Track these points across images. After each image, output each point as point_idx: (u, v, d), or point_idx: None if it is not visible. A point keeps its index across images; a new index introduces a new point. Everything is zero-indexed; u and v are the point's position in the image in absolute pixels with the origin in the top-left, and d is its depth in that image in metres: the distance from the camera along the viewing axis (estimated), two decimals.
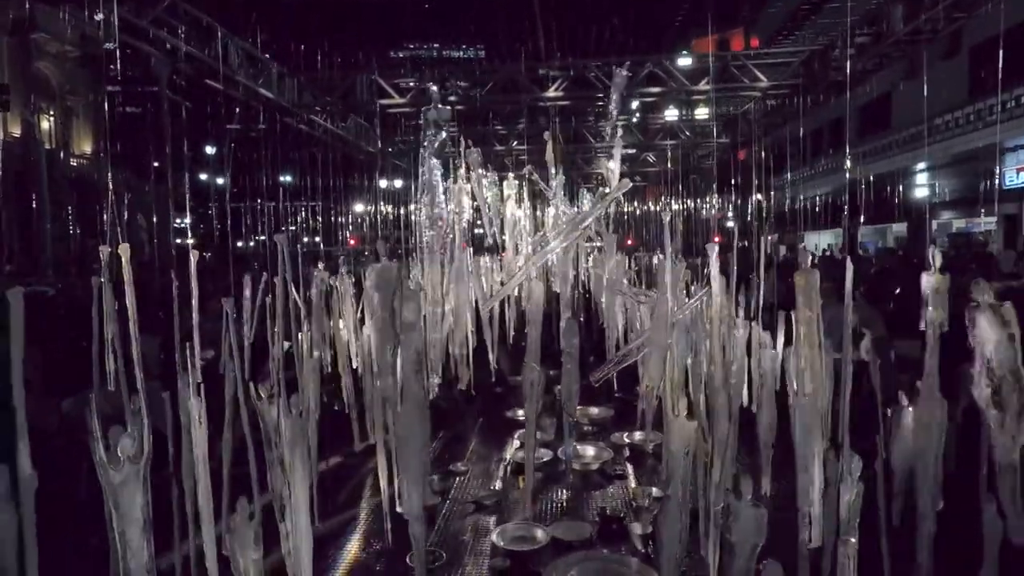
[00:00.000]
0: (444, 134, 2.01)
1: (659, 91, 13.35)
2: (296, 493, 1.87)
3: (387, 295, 1.83)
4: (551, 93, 12.48)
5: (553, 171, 3.85)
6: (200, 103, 13.07)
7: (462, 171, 4.03)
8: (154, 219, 14.67)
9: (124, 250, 2.04)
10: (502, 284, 5.33)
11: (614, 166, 3.69)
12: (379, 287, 1.84)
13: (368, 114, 14.85)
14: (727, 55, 13.57)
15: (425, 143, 2.01)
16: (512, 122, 16.21)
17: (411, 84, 13.08)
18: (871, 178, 16.32)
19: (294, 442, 1.90)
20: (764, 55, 13.98)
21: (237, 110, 13.79)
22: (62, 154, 16.62)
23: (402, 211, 16.95)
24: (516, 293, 5.40)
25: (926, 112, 16.65)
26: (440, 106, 1.94)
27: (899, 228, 21.23)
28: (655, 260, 4.80)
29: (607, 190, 3.82)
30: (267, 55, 13.27)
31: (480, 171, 4.11)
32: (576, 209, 4.74)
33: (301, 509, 1.89)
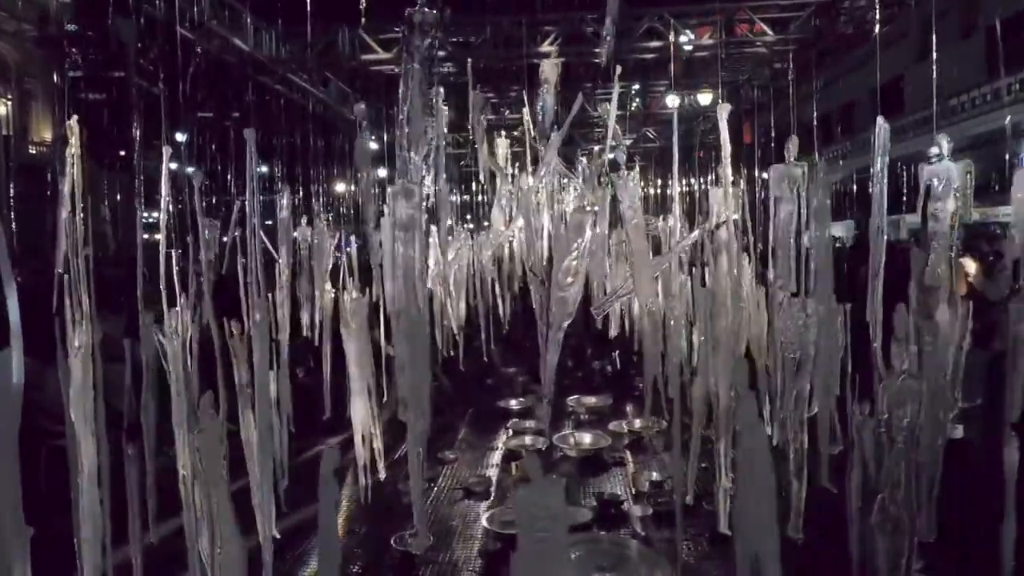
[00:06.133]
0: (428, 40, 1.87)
1: (658, 45, 13.21)
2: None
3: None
4: (545, 48, 12.38)
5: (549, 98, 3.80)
6: (169, 83, 12.60)
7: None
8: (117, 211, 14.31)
9: (72, 126, 1.99)
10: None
11: (611, 108, 3.66)
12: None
13: (349, 72, 14.54)
14: (731, 6, 13.39)
15: (408, 50, 1.89)
16: (504, 90, 15.97)
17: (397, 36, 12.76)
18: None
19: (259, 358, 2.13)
20: (769, 7, 13.77)
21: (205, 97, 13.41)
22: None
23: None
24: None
25: (938, 92, 16.64)
26: (427, 10, 1.83)
27: (913, 219, 21.23)
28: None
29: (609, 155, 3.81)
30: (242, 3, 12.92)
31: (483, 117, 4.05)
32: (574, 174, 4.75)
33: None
